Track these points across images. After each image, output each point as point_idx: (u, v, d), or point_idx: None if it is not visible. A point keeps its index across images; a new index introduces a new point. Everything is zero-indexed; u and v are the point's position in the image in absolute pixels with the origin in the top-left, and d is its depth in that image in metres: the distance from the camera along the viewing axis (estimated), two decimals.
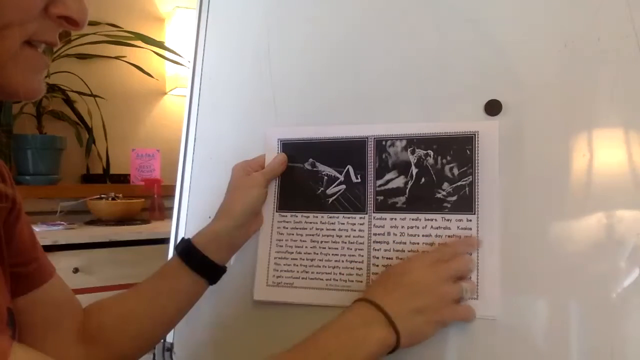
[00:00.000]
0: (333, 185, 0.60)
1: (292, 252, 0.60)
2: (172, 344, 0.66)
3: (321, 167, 0.61)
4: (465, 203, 0.54)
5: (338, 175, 0.60)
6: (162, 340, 0.66)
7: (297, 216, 0.61)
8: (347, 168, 0.60)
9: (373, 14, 0.62)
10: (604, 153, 0.51)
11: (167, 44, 1.94)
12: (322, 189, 0.61)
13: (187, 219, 0.68)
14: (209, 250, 0.57)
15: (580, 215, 0.51)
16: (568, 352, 0.50)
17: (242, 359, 0.63)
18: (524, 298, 0.52)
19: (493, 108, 0.55)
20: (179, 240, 0.62)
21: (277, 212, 0.62)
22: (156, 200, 1.83)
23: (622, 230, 0.49)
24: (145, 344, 0.57)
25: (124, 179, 1.92)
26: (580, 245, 0.50)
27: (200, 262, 0.57)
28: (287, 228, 0.61)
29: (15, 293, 0.48)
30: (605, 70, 0.52)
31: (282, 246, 0.61)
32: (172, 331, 0.66)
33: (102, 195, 1.71)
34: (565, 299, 0.50)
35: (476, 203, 0.54)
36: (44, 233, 1.44)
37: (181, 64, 1.89)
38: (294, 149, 0.63)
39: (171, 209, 0.69)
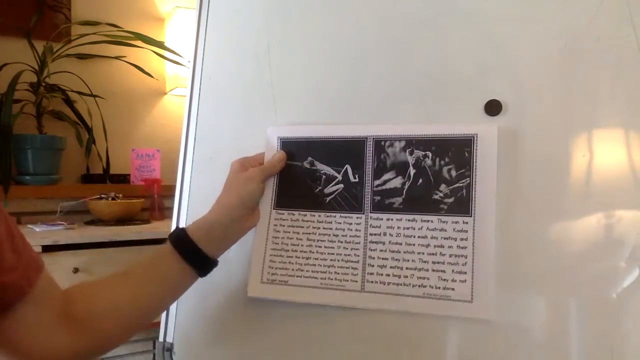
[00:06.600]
0: (331, 185, 0.60)
1: (288, 250, 0.60)
2: (172, 344, 0.66)
3: (320, 166, 0.61)
4: (462, 205, 0.54)
5: (336, 174, 0.60)
6: (162, 340, 0.66)
7: (294, 214, 0.61)
8: (345, 167, 0.60)
9: (373, 14, 0.62)
10: (604, 153, 0.51)
11: (167, 44, 1.93)
12: (320, 187, 0.60)
13: (187, 219, 0.68)
14: (201, 241, 0.57)
15: (580, 215, 0.51)
16: (568, 352, 0.49)
17: (239, 357, 0.63)
18: (523, 298, 0.51)
19: (493, 108, 0.55)
20: None
21: (274, 209, 0.62)
22: (156, 200, 1.82)
23: (622, 230, 0.49)
24: (129, 331, 0.56)
25: (124, 179, 1.91)
26: (580, 245, 0.50)
27: (190, 251, 0.56)
28: (283, 226, 0.61)
29: None
30: (605, 70, 0.52)
31: (278, 243, 0.61)
32: (172, 331, 0.66)
33: (102, 195, 1.70)
34: (564, 298, 0.50)
35: (473, 205, 0.54)
36: (44, 233, 1.44)
37: (181, 64, 1.89)
38: (293, 148, 0.62)
39: (171, 209, 0.69)
